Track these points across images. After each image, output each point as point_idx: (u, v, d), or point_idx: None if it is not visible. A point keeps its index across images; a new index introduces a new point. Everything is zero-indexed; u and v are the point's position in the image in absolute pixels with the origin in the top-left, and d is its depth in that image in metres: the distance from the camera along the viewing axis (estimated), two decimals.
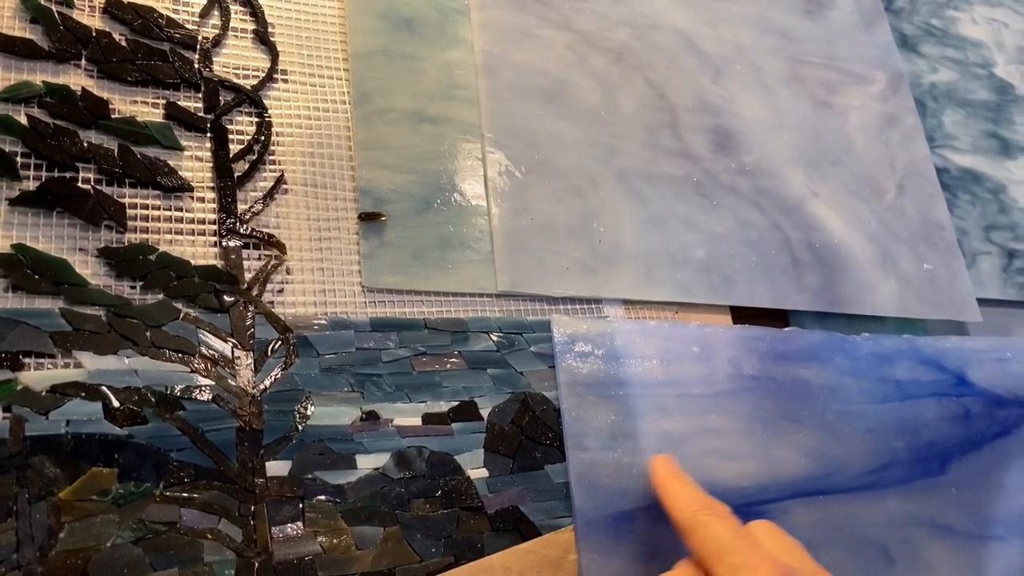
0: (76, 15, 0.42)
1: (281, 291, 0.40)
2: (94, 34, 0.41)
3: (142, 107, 0.41)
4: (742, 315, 0.50)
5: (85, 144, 0.39)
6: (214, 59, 0.44)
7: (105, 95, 0.41)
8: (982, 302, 0.58)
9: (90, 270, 0.37)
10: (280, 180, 0.42)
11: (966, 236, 0.60)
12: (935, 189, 0.60)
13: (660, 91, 0.54)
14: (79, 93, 0.40)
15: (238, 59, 0.45)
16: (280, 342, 0.39)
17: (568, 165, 0.49)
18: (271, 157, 0.43)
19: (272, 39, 0.46)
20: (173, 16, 0.44)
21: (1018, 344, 0.54)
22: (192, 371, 0.37)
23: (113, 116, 0.40)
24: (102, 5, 0.42)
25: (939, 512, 0.47)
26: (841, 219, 0.55)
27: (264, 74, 0.45)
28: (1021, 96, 0.70)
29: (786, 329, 0.50)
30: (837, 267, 0.53)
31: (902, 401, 0.49)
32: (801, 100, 0.59)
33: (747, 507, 0.43)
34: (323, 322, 0.40)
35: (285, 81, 0.45)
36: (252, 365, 0.38)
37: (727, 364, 0.46)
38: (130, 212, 0.39)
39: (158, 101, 0.42)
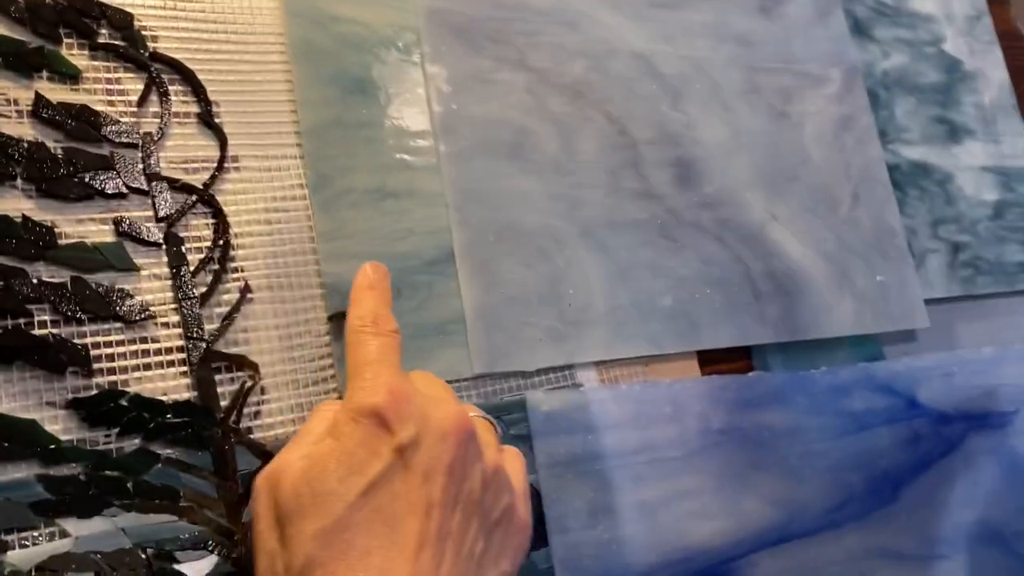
0: (2, 124, 0.38)
1: (257, 414, 0.40)
2: (27, 146, 0.38)
3: (89, 226, 0.39)
4: (708, 354, 0.51)
5: (35, 281, 0.37)
6: (159, 154, 0.41)
7: (49, 218, 0.38)
8: (929, 302, 0.60)
9: (61, 425, 0.36)
10: (245, 291, 0.41)
11: (915, 235, 0.62)
12: (888, 192, 0.61)
13: (620, 127, 0.53)
14: (20, 221, 0.37)
15: (184, 150, 0.42)
16: None
17: (533, 225, 0.48)
18: (232, 264, 0.41)
19: (218, 121, 0.43)
20: (109, 111, 0.41)
21: (962, 357, 0.57)
22: (180, 519, 0.36)
23: (60, 242, 0.38)
24: (29, 108, 0.39)
25: (891, 540, 0.50)
26: (799, 240, 0.56)
27: (214, 164, 0.42)
28: (968, 72, 0.70)
29: (750, 374, 0.51)
30: (796, 293, 0.55)
31: (858, 433, 0.51)
32: (759, 113, 0.58)
33: (720, 565, 0.46)
34: None
35: (237, 170, 0.43)
36: (238, 501, 0.38)
37: (696, 420, 0.48)
38: (94, 352, 0.37)
39: (106, 216, 0.39)
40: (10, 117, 0.39)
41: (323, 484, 0.30)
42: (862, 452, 0.51)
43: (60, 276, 0.38)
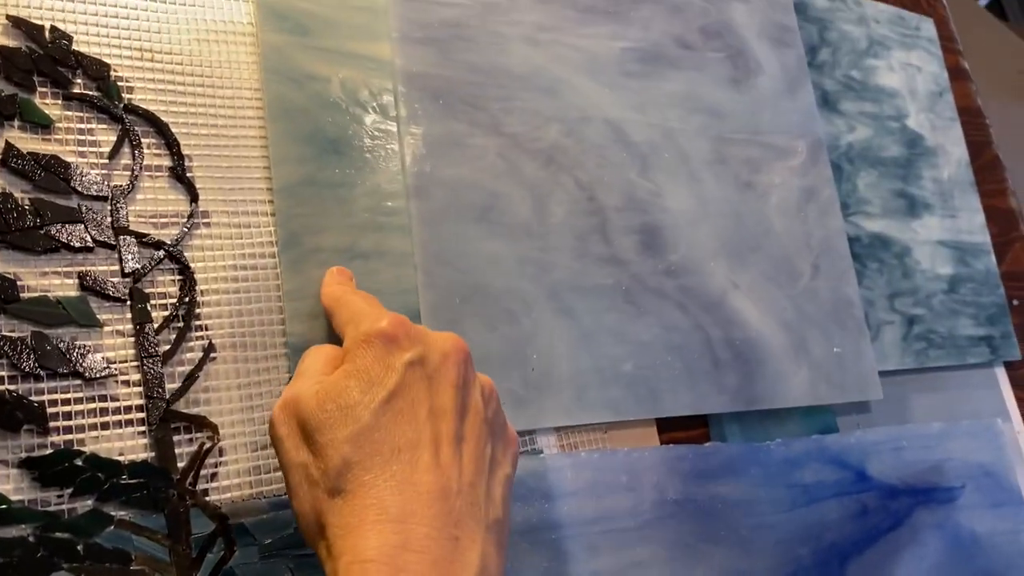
0: None
1: (214, 475, 0.39)
2: None
3: (53, 279, 0.39)
4: (667, 420, 0.52)
5: None
6: (129, 207, 0.41)
7: (12, 270, 0.38)
8: (884, 373, 0.62)
9: (12, 485, 0.35)
10: (209, 350, 0.41)
11: (872, 307, 0.63)
12: (847, 264, 0.63)
13: (590, 192, 0.53)
14: None
15: (155, 204, 0.42)
16: (217, 534, 0.38)
17: (501, 288, 0.48)
18: (197, 322, 0.41)
19: (190, 175, 0.43)
20: (79, 162, 0.40)
21: (912, 431, 0.58)
22: None
23: (23, 295, 0.38)
24: None
25: None
26: (759, 310, 0.57)
27: (184, 219, 0.42)
28: (929, 147, 0.72)
29: (706, 445, 0.52)
30: (755, 362, 0.56)
31: (808, 506, 0.52)
32: (725, 183, 0.59)
33: None
34: (260, 504, 0.40)
35: (207, 225, 0.43)
36: (190, 566, 0.37)
37: (652, 490, 0.48)
38: (51, 409, 0.37)
39: (71, 270, 0.39)
40: None
41: (347, 397, 0.34)
42: (812, 525, 0.52)
43: (21, 330, 0.37)
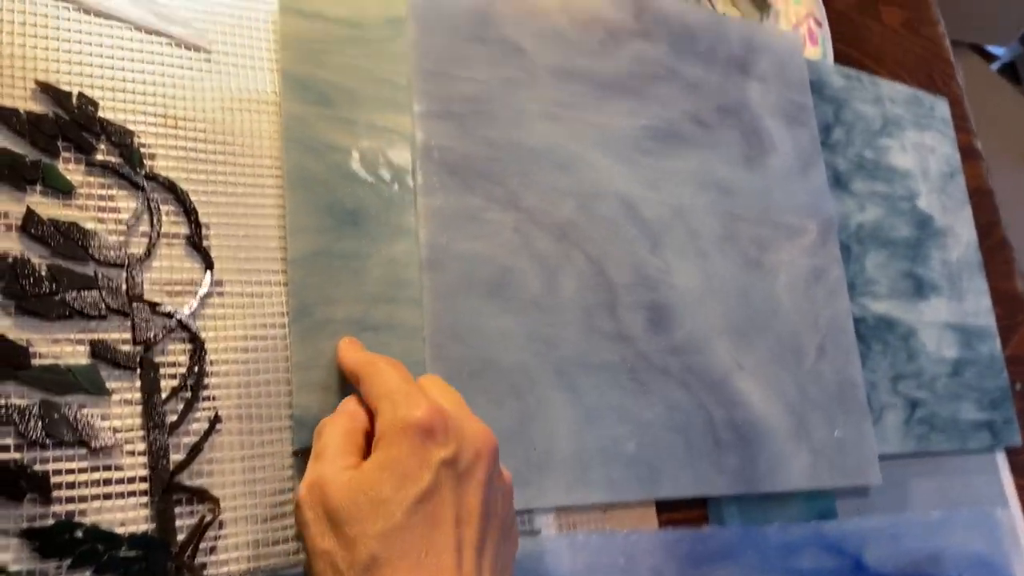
0: None
1: (213, 549, 0.39)
2: (11, 262, 0.38)
3: (65, 346, 0.39)
4: (666, 501, 0.52)
5: (3, 402, 0.37)
6: (144, 274, 0.41)
7: (25, 336, 0.38)
8: (884, 457, 0.62)
9: (11, 555, 0.35)
10: (215, 421, 0.41)
11: (875, 389, 0.64)
12: (852, 346, 0.63)
13: (599, 267, 0.54)
14: None
15: (170, 272, 0.42)
16: None
17: (509, 364, 0.49)
18: (205, 393, 0.41)
19: (207, 243, 0.43)
20: (98, 228, 0.41)
21: (911, 519, 0.58)
22: None
23: (34, 362, 0.38)
24: (19, 223, 0.39)
25: None
26: (763, 391, 0.57)
27: (198, 288, 0.42)
28: (939, 228, 0.73)
29: (704, 528, 0.52)
30: (756, 443, 0.56)
31: None
32: (733, 261, 0.59)
33: None
34: None
35: (221, 295, 0.43)
36: None
37: (649, 574, 0.48)
38: (54, 479, 0.37)
39: (83, 337, 0.39)
40: None
41: (380, 492, 0.34)
42: None
43: (30, 398, 0.37)
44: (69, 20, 0.43)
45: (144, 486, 0.39)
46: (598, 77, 0.58)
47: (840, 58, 0.74)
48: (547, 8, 0.57)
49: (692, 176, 0.60)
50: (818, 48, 0.71)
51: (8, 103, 0.40)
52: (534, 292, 0.51)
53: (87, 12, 0.43)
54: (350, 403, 0.40)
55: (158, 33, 0.45)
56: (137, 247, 0.42)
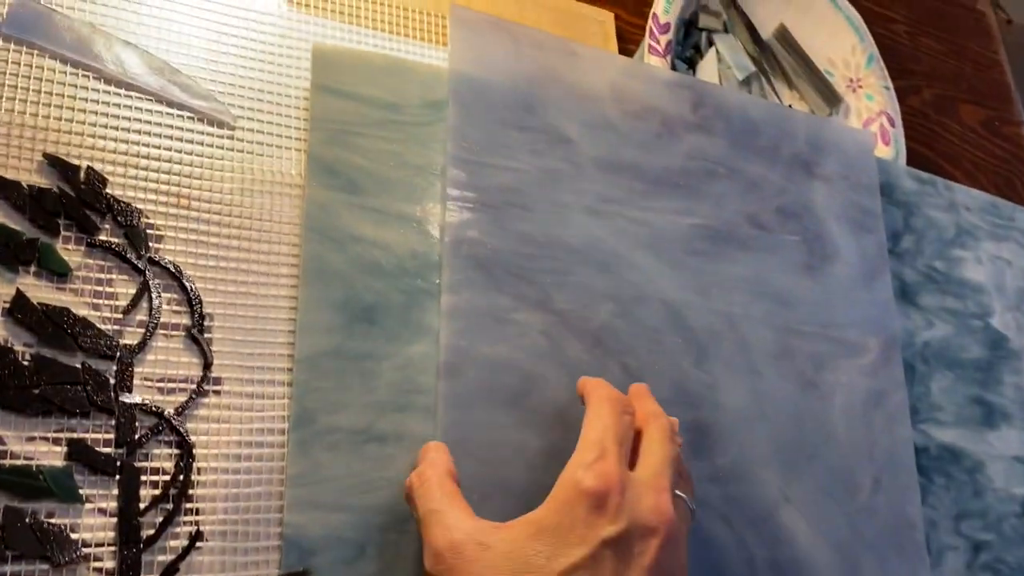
0: None
1: None
2: None
3: (40, 445, 0.35)
4: None
5: None
6: (135, 368, 0.38)
7: None
8: None
9: None
10: (196, 538, 0.37)
11: (935, 529, 0.57)
12: (912, 480, 0.57)
13: (637, 379, 0.49)
14: None
15: (164, 366, 0.39)
16: None
17: (524, 485, 0.44)
18: (188, 505, 0.37)
19: (208, 336, 0.40)
20: (91, 315, 0.38)
21: None
22: None
23: (3, 462, 0.34)
24: (6, 307, 0.36)
25: None
26: (811, 527, 0.52)
27: (194, 386, 0.39)
28: (1013, 350, 0.67)
29: None
30: None
31: None
32: (787, 380, 0.54)
33: None
34: None
35: (217, 394, 0.39)
36: None
37: None
38: None
39: (60, 436, 0.36)
40: None
41: (532, 562, 0.33)
42: None
43: None
44: (86, 89, 0.40)
45: None
46: (648, 172, 0.54)
47: (913, 159, 0.69)
48: (599, 96, 0.53)
49: (746, 283, 0.55)
50: (890, 148, 0.66)
51: (12, 175, 0.38)
52: (560, 404, 0.46)
53: (106, 81, 0.41)
54: (438, 452, 0.39)
55: (180, 106, 0.42)
56: (132, 337, 0.38)
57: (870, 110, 0.67)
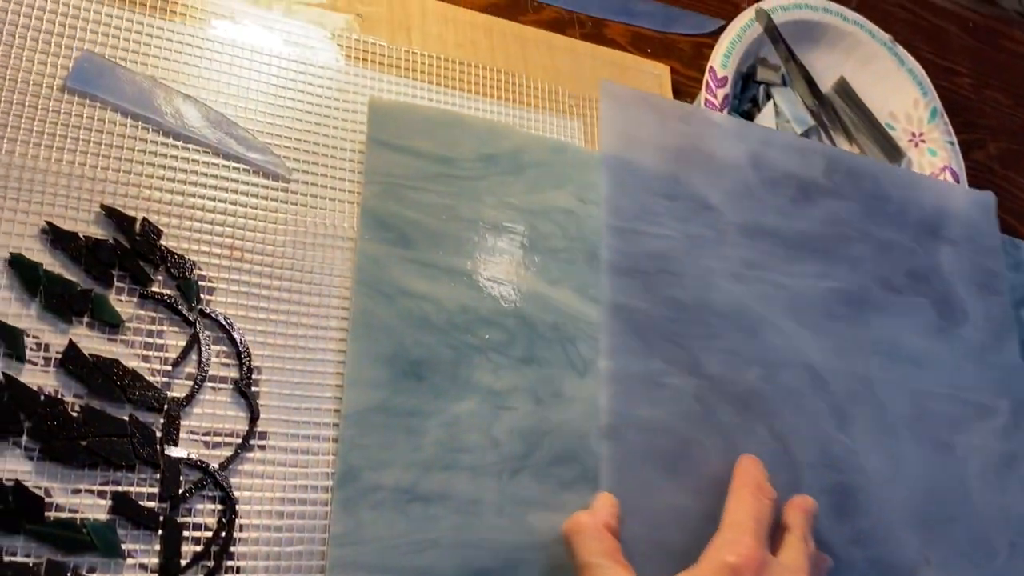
0: (27, 370, 0.36)
1: None
2: (43, 400, 0.35)
3: (85, 497, 0.35)
4: None
5: (5, 560, 0.33)
6: (182, 421, 0.38)
7: (44, 484, 0.35)
8: None
9: None
10: None
11: None
12: None
13: (784, 443, 0.47)
14: (11, 486, 0.34)
15: (211, 420, 0.39)
16: None
17: (683, 547, 0.41)
18: (230, 563, 0.37)
19: (256, 390, 0.39)
20: (141, 367, 0.38)
21: None
22: None
23: (48, 514, 0.34)
24: (59, 357, 0.36)
25: None
26: None
27: (239, 440, 0.38)
28: None
29: None
30: None
31: None
32: (923, 443, 0.52)
33: None
34: None
35: (263, 448, 0.39)
36: None
37: None
38: None
39: (105, 488, 0.36)
40: (36, 364, 0.36)
41: None
42: None
43: (36, 555, 0.34)
44: (145, 141, 0.41)
45: None
46: (788, 236, 0.53)
47: None
48: (737, 164, 0.53)
49: (881, 346, 0.53)
50: None
51: (70, 226, 0.38)
52: (714, 469, 0.45)
53: (164, 133, 0.41)
54: (603, 503, 0.41)
55: (236, 159, 0.42)
56: (180, 390, 0.38)
57: (933, 165, 0.65)
